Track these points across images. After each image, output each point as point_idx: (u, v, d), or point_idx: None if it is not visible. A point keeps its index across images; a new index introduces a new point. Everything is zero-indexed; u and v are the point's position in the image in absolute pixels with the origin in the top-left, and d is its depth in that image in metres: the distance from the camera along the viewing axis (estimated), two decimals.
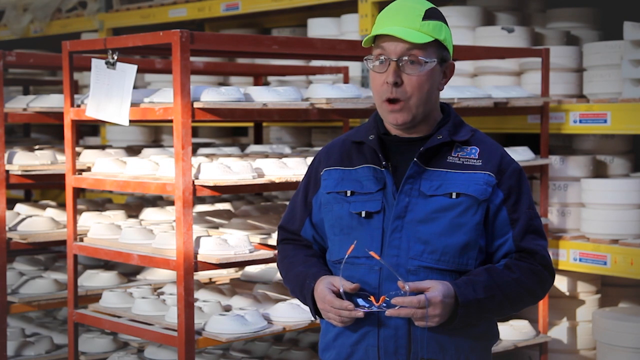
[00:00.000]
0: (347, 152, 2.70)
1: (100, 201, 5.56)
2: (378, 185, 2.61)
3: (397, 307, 2.45)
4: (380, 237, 2.58)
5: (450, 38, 2.64)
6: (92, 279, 4.92)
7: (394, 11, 2.60)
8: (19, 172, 4.73)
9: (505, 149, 4.82)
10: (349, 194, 2.64)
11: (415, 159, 2.58)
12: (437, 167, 2.60)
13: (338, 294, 2.53)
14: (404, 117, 2.57)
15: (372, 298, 2.51)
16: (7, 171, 4.72)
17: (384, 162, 2.60)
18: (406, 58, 2.54)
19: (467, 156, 2.62)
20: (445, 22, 2.62)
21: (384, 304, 2.48)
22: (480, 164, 2.60)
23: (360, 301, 2.51)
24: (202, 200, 5.56)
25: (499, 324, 5.07)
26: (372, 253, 2.51)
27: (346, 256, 2.55)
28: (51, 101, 4.89)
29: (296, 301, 4.13)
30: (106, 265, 5.39)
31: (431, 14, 2.58)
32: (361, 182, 2.63)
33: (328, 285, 2.56)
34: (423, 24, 2.55)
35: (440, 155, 2.61)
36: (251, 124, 6.70)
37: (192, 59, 3.97)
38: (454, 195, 2.56)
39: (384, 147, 2.63)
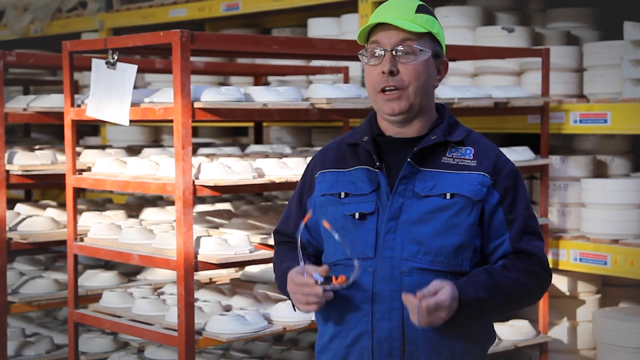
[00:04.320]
0: (342, 154, 2.70)
1: (100, 201, 5.56)
2: (372, 187, 2.59)
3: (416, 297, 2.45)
4: (374, 239, 2.56)
5: (443, 35, 2.65)
6: (92, 279, 4.92)
7: (386, 6, 2.62)
8: (19, 172, 4.73)
9: (506, 149, 4.91)
10: (343, 195, 2.63)
11: (408, 159, 2.57)
12: (432, 167, 2.58)
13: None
14: (401, 106, 2.56)
15: (332, 278, 2.50)
16: (7, 171, 4.72)
17: (377, 163, 2.59)
18: (401, 48, 2.55)
19: (462, 157, 2.60)
20: (437, 20, 2.64)
21: (344, 284, 2.48)
22: (475, 164, 2.59)
23: (316, 275, 2.50)
24: (202, 200, 5.56)
25: (499, 324, 5.10)
26: (324, 222, 2.55)
27: (302, 223, 2.56)
28: (51, 101, 4.89)
29: None
30: (106, 265, 5.39)
31: (423, 9, 2.61)
32: (355, 183, 2.62)
33: (298, 270, 2.56)
34: (416, 16, 2.57)
35: (435, 155, 2.60)
36: (251, 124, 6.70)
37: (192, 59, 3.96)
38: (448, 196, 2.54)
39: (378, 148, 2.62)
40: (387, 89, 2.56)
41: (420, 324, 2.44)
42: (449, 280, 2.48)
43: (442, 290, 2.44)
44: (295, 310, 2.69)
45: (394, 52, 2.55)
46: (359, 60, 2.72)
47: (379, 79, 2.57)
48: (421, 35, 2.56)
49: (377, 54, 2.57)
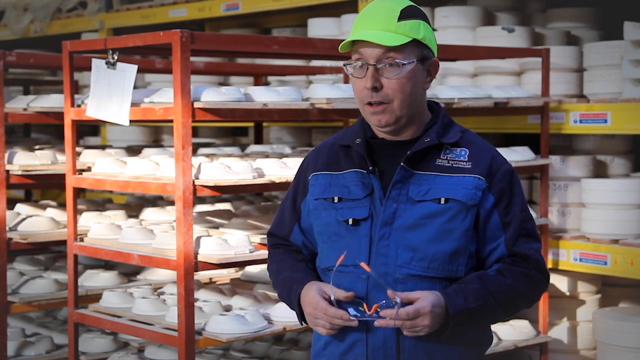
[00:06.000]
0: (335, 155, 2.64)
1: (100, 201, 5.56)
2: (365, 191, 2.55)
3: (386, 318, 2.41)
4: (367, 245, 2.52)
5: (432, 35, 2.57)
6: (92, 279, 4.92)
7: (369, 14, 2.53)
8: (19, 172, 4.73)
9: (506, 149, 4.91)
10: (336, 200, 2.58)
11: (402, 164, 2.52)
12: (426, 170, 2.53)
13: (329, 302, 2.47)
14: (387, 119, 2.52)
15: (365, 306, 2.46)
16: (8, 171, 4.72)
17: (370, 167, 2.54)
18: (384, 61, 2.48)
19: (457, 158, 2.55)
20: (425, 19, 2.55)
21: (376, 313, 2.43)
22: (470, 166, 2.54)
23: (351, 310, 2.46)
24: (202, 200, 5.56)
25: (499, 324, 5.09)
26: (363, 265, 2.45)
27: (336, 266, 2.49)
28: (51, 101, 4.89)
29: None
30: (106, 265, 5.39)
31: (407, 13, 2.51)
32: (349, 187, 2.57)
33: (319, 292, 2.50)
34: (399, 25, 2.49)
35: (429, 158, 2.55)
36: (251, 124, 6.71)
37: (192, 59, 3.96)
38: (442, 201, 2.50)
39: (371, 151, 2.57)
40: (372, 102, 2.52)
41: (402, 329, 2.42)
42: (434, 291, 2.45)
43: (422, 298, 2.41)
44: (302, 324, 2.66)
45: (377, 67, 2.49)
46: None
47: (364, 93, 2.51)
48: (405, 45, 2.49)
49: (361, 67, 2.51)
